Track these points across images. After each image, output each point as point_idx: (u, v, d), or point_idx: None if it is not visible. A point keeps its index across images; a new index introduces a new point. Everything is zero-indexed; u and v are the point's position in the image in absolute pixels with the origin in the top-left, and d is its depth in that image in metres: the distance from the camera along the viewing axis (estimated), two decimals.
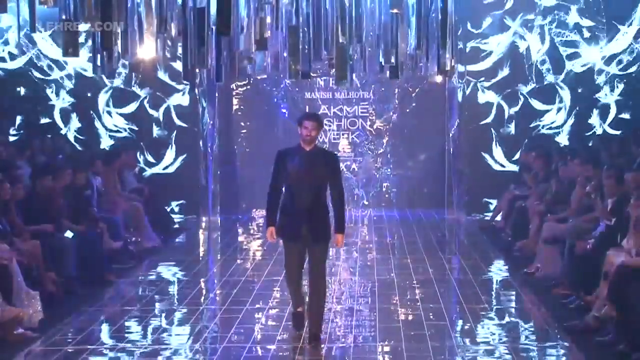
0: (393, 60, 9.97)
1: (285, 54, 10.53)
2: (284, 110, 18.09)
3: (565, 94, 16.57)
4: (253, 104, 18.16)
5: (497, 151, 16.85)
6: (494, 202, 16.23)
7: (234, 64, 10.47)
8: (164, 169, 17.00)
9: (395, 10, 8.42)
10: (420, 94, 17.89)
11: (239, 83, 17.89)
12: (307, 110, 18.07)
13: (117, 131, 16.83)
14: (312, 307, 8.31)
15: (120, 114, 16.86)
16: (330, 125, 18.11)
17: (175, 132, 16.88)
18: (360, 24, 9.65)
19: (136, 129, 16.81)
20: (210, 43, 9.70)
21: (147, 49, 9.36)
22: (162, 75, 16.84)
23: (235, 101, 18.22)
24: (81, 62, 16.48)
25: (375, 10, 10.19)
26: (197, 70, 10.16)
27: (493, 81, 16.74)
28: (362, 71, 14.36)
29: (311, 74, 11.71)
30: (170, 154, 16.97)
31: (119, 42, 8.69)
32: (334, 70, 9.75)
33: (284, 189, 8.24)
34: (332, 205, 8.25)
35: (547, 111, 16.68)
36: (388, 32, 9.87)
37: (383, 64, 10.58)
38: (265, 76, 16.61)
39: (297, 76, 10.28)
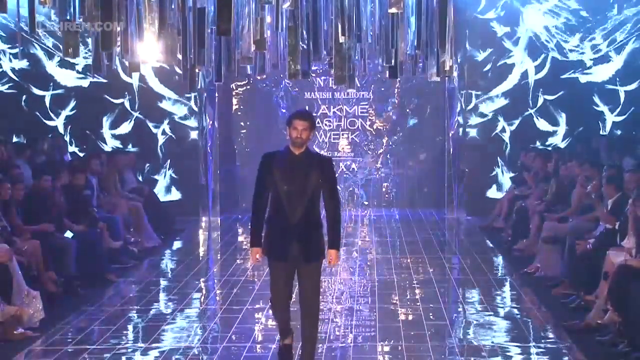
0: (393, 60, 9.97)
1: (285, 54, 10.54)
2: (283, 110, 18.09)
3: (566, 113, 16.59)
4: (253, 104, 18.16)
5: (504, 178, 16.88)
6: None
7: (234, 64, 10.48)
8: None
9: (393, 10, 8.40)
10: (420, 94, 17.90)
11: (239, 83, 17.92)
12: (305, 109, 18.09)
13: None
14: (304, 335, 7.23)
15: (120, 134, 16.92)
16: (330, 125, 18.12)
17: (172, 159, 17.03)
18: (360, 24, 9.65)
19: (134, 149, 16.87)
20: (210, 43, 9.71)
21: (147, 50, 9.36)
22: (169, 105, 16.91)
23: (235, 101, 18.23)
24: (84, 83, 16.67)
25: (375, 10, 10.19)
26: (197, 70, 10.16)
27: (497, 105, 16.81)
28: (362, 71, 14.39)
29: (311, 73, 11.72)
30: (163, 181, 17.07)
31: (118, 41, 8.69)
32: (334, 70, 9.74)
33: (270, 200, 7.13)
34: (326, 217, 7.11)
35: (550, 132, 16.71)
36: (388, 32, 9.87)
37: (383, 64, 10.58)
38: (265, 76, 16.64)
39: (297, 76, 10.28)
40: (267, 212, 7.14)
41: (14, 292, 8.89)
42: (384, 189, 18.22)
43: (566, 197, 12.46)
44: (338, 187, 7.25)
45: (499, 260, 12.88)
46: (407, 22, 9.93)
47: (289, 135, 7.08)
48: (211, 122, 17.26)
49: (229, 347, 8.37)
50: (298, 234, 7.03)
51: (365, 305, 10.11)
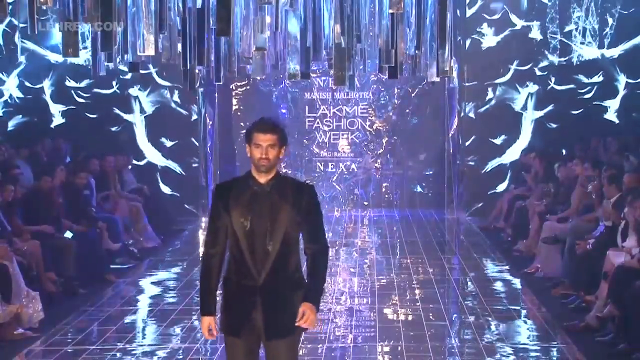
0: (393, 60, 9.97)
1: (285, 54, 10.54)
2: (283, 111, 18.10)
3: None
4: (253, 104, 18.17)
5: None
6: None
7: (234, 64, 10.48)
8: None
9: (393, 10, 8.40)
10: (420, 94, 17.91)
11: (238, 83, 17.93)
12: (305, 112, 18.08)
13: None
14: None
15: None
16: (330, 126, 18.12)
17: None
18: (360, 24, 9.65)
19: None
20: (210, 43, 9.71)
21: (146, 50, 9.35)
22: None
23: (235, 101, 18.24)
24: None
25: (375, 10, 10.20)
26: (197, 71, 10.16)
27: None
28: (362, 71, 14.37)
29: (311, 74, 11.72)
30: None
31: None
32: (333, 70, 9.74)
33: (229, 251, 5.20)
34: (307, 266, 5.10)
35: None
36: (388, 32, 9.87)
37: (383, 64, 10.58)
38: (265, 76, 16.65)
39: (297, 76, 10.27)
40: (225, 269, 5.21)
41: (13, 293, 8.88)
42: (384, 189, 18.22)
43: (566, 197, 12.45)
44: (325, 226, 5.23)
45: (499, 260, 12.88)
46: (407, 22, 9.92)
47: (250, 155, 5.09)
48: (211, 122, 17.26)
49: None
50: (263, 298, 5.01)
51: (365, 305, 10.11)
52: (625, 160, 12.56)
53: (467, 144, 16.85)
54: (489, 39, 16.58)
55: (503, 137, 16.66)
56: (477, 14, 16.53)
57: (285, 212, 5.02)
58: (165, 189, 16.80)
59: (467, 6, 16.43)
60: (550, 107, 16.49)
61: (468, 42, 16.57)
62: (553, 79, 16.46)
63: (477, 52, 16.60)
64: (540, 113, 16.53)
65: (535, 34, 16.45)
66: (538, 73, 16.49)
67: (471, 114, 16.72)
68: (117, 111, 16.67)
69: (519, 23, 16.49)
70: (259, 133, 5.03)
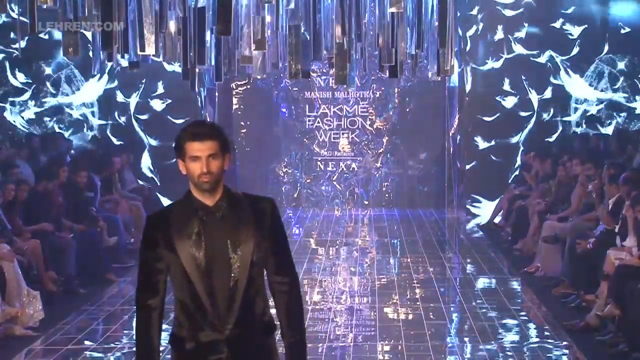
0: (393, 60, 9.97)
1: (285, 54, 10.54)
2: (284, 110, 18.11)
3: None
4: (253, 104, 18.18)
5: None
6: None
7: (234, 64, 10.48)
8: None
9: (393, 10, 8.40)
10: (420, 94, 17.91)
11: (239, 83, 17.94)
12: (305, 111, 18.07)
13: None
14: None
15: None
16: (330, 125, 18.13)
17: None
18: (360, 23, 9.65)
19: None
20: (210, 43, 9.71)
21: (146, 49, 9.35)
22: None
23: (235, 101, 18.24)
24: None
25: (375, 10, 10.20)
26: (197, 70, 10.17)
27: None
28: (362, 71, 14.38)
29: (311, 73, 11.73)
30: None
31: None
32: (334, 70, 9.74)
33: (176, 302, 4.19)
34: (277, 311, 4.14)
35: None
36: (388, 32, 9.87)
37: (383, 63, 10.58)
38: (265, 76, 16.64)
39: (297, 76, 10.27)
40: (173, 324, 4.21)
41: (14, 293, 8.89)
42: (384, 189, 18.23)
43: (566, 196, 12.45)
44: (291, 251, 4.15)
45: (499, 260, 12.88)
46: (407, 21, 9.93)
47: (187, 172, 3.97)
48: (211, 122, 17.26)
49: None
50: (235, 353, 3.97)
51: (366, 304, 10.12)
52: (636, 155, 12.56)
53: (467, 167, 16.90)
54: (489, 64, 16.61)
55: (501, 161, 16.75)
56: (475, 36, 16.56)
57: (250, 238, 3.93)
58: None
59: (466, 30, 16.45)
60: (553, 136, 16.49)
61: (468, 68, 16.61)
62: (552, 109, 16.46)
63: (476, 77, 16.63)
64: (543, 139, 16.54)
65: (538, 59, 16.44)
66: (544, 98, 16.48)
67: (478, 142, 16.74)
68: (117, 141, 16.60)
69: (520, 50, 16.49)
70: (194, 142, 3.92)
